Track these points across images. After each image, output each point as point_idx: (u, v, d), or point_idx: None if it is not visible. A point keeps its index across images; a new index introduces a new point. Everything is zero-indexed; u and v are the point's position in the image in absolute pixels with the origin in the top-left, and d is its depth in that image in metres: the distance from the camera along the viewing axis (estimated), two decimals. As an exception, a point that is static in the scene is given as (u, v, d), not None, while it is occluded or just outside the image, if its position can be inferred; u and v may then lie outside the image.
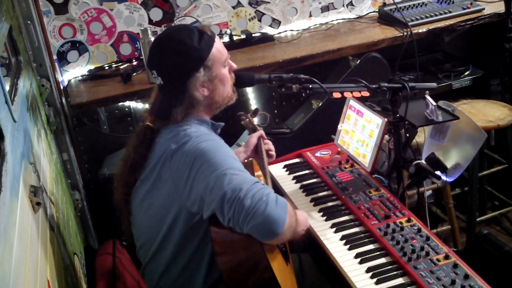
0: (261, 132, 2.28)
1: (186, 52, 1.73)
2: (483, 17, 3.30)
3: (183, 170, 1.67)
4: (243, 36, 3.39)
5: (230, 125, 2.81)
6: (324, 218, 2.05)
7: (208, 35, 1.77)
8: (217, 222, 1.64)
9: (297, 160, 2.51)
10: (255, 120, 2.36)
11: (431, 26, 3.24)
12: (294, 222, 1.68)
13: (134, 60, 3.27)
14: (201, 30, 1.78)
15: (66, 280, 1.84)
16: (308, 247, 2.12)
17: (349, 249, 1.88)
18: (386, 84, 2.05)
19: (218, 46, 1.80)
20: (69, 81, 3.15)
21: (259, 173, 2.10)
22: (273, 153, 2.28)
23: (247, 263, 1.66)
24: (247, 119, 2.33)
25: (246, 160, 2.18)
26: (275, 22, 3.51)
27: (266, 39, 3.36)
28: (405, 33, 3.16)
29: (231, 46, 3.20)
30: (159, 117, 1.81)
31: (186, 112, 1.76)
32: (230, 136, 2.89)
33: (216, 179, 1.60)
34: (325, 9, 3.59)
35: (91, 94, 2.94)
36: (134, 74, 3.05)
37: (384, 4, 3.52)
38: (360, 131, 2.19)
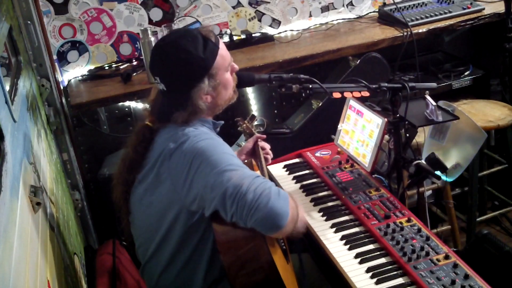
0: (257, 135, 2.28)
1: (191, 62, 1.71)
2: (483, 17, 3.30)
3: (182, 169, 1.68)
4: (243, 36, 3.39)
5: (230, 125, 2.80)
6: (324, 218, 2.05)
7: (213, 42, 1.75)
8: (218, 219, 1.65)
9: (297, 160, 2.51)
10: (253, 126, 2.36)
11: (431, 26, 3.24)
12: (296, 215, 1.69)
13: (134, 60, 3.27)
14: (206, 37, 1.75)
15: (66, 280, 1.84)
16: (308, 247, 2.12)
17: (349, 249, 1.88)
18: (386, 84, 2.05)
19: (223, 52, 1.78)
20: (69, 81, 3.15)
21: (258, 173, 2.10)
22: (269, 156, 2.28)
23: (250, 258, 1.68)
24: (244, 125, 2.33)
25: (246, 161, 2.18)
26: (275, 22, 3.51)
27: (266, 39, 3.36)
28: (405, 33, 3.16)
29: (231, 46, 3.20)
30: (160, 120, 1.80)
31: (188, 118, 1.76)
32: (230, 136, 2.89)
33: (216, 176, 1.61)
34: (325, 9, 3.59)
35: (91, 94, 2.94)
36: (134, 74, 3.05)
37: (384, 4, 3.52)
38: (360, 131, 2.19)
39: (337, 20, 3.61)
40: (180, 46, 1.72)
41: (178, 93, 1.76)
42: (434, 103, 2.09)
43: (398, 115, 2.08)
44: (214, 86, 1.77)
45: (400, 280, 1.72)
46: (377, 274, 1.75)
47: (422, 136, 2.34)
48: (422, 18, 3.26)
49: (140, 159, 1.79)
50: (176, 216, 1.74)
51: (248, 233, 1.64)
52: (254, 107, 3.52)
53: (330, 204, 2.14)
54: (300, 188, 2.28)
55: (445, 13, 3.31)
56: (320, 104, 3.13)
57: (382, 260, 1.81)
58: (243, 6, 3.42)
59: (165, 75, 1.75)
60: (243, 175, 1.62)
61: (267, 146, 2.28)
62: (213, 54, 1.74)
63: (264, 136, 2.28)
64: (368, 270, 1.77)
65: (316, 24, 3.58)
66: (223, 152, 1.68)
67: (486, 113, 2.98)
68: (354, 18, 3.61)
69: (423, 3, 3.44)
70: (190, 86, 1.73)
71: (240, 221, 1.60)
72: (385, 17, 3.41)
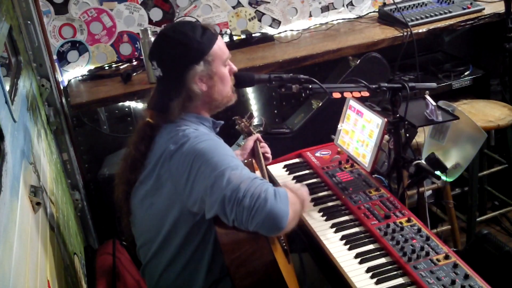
0: (257, 135, 2.28)
1: (187, 43, 1.75)
2: (483, 17, 3.30)
3: (183, 171, 1.68)
4: (243, 36, 3.39)
5: (230, 125, 2.80)
6: (324, 218, 2.05)
7: (211, 32, 1.80)
8: (221, 221, 1.65)
9: (297, 160, 2.51)
10: (251, 124, 2.36)
11: (431, 26, 3.24)
12: (298, 209, 1.71)
13: (134, 60, 3.28)
14: (205, 27, 1.80)
15: (66, 280, 1.84)
16: (308, 247, 2.12)
17: (349, 249, 1.88)
18: (386, 84, 2.05)
19: (220, 44, 1.82)
20: (69, 81, 3.15)
21: (258, 173, 2.10)
22: (269, 155, 2.28)
23: (253, 258, 1.69)
24: (242, 124, 2.33)
25: (246, 161, 2.18)
26: (275, 22, 3.51)
27: (266, 39, 3.36)
28: (405, 33, 3.16)
29: (231, 46, 3.19)
30: (157, 110, 1.81)
31: (183, 105, 1.77)
32: (230, 136, 2.89)
33: (215, 179, 1.61)
34: (325, 9, 3.59)
35: (91, 94, 2.94)
36: (134, 74, 3.05)
37: (384, 4, 3.52)
38: (360, 131, 2.19)
39: (337, 20, 3.61)
40: (179, 29, 1.79)
41: (173, 76, 1.77)
42: (434, 103, 2.09)
43: (398, 115, 2.07)
44: (210, 75, 1.78)
45: (400, 280, 1.72)
46: (377, 274, 1.75)
47: (422, 136, 2.34)
48: (422, 18, 3.26)
49: (141, 158, 1.79)
50: (178, 217, 1.74)
51: (250, 234, 1.64)
52: (254, 107, 3.52)
53: (330, 204, 2.14)
54: (300, 188, 2.28)
55: (445, 13, 3.31)
56: (320, 104, 3.13)
57: (382, 260, 1.81)
58: (243, 6, 3.42)
59: (161, 57, 1.78)
60: (242, 178, 1.61)
61: (267, 147, 2.28)
62: (210, 41, 1.78)
63: (262, 141, 2.27)
64: (368, 270, 1.77)
65: (316, 24, 3.58)
66: (223, 154, 1.68)
67: (486, 113, 2.98)
68: (354, 18, 3.61)
69: (423, 3, 3.44)
70: (185, 68, 1.75)
71: (241, 226, 1.60)
72: (385, 17, 3.41)
